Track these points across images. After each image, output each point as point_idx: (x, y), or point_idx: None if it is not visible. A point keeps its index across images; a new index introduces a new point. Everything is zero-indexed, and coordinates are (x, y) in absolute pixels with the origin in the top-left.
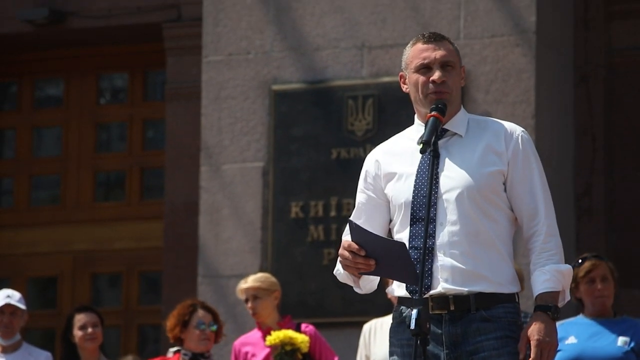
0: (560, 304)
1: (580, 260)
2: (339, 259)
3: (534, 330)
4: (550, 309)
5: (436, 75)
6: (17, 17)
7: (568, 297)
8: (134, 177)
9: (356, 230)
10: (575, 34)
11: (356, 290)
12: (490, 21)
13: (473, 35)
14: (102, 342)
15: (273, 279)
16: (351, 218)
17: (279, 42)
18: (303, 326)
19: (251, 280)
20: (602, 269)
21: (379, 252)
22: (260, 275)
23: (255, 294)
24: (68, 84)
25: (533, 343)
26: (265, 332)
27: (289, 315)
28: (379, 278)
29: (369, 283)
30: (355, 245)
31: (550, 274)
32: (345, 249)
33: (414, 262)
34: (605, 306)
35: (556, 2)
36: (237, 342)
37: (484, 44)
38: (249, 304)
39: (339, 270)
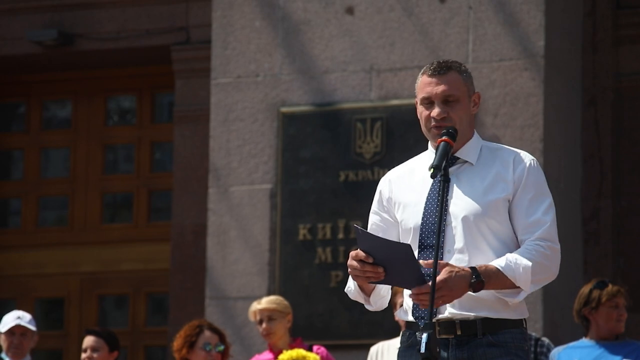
0: (516, 299)
1: (598, 283)
2: (349, 276)
3: (452, 271)
4: (479, 276)
5: (435, 111)
6: (26, 38)
7: (521, 296)
8: (141, 199)
9: (362, 237)
10: (584, 58)
11: (367, 307)
12: (499, 45)
13: (481, 59)
14: None
15: (286, 302)
16: None
17: (287, 64)
18: (315, 348)
19: (266, 302)
20: (624, 295)
21: (386, 258)
22: (274, 297)
23: (270, 315)
24: (76, 105)
25: (444, 273)
26: (277, 354)
27: (299, 337)
28: (389, 295)
29: (380, 299)
30: (362, 254)
31: (506, 259)
32: (353, 258)
33: (419, 265)
34: (620, 331)
35: (565, 27)
36: None
37: (493, 68)
38: (264, 325)
39: (349, 287)
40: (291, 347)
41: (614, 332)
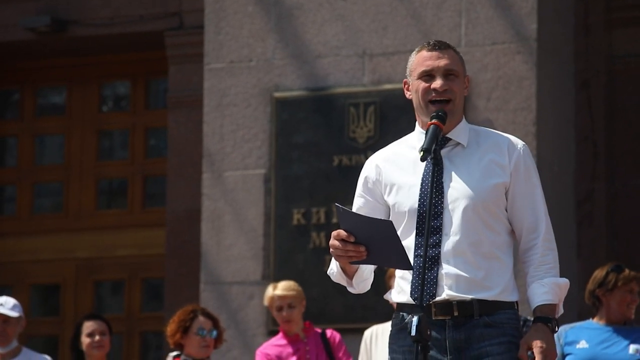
0: (558, 315)
1: (615, 267)
2: (332, 259)
3: (538, 339)
4: (550, 321)
5: (438, 83)
6: (19, 25)
7: (562, 311)
8: (136, 185)
9: (343, 215)
10: (576, 41)
11: (350, 290)
12: (492, 29)
13: (474, 43)
14: (109, 350)
15: (300, 287)
16: None
17: (280, 49)
18: (328, 332)
19: (285, 289)
20: (639, 281)
21: (368, 236)
22: (290, 283)
23: (290, 303)
24: (70, 91)
25: (537, 350)
26: (293, 339)
27: (308, 321)
28: (372, 278)
29: (362, 282)
30: (343, 233)
31: (549, 287)
32: (334, 238)
33: (401, 241)
34: (631, 317)
35: (557, 10)
36: (262, 349)
37: (485, 52)
38: (284, 313)
39: (332, 270)
40: (305, 331)
41: (625, 316)
